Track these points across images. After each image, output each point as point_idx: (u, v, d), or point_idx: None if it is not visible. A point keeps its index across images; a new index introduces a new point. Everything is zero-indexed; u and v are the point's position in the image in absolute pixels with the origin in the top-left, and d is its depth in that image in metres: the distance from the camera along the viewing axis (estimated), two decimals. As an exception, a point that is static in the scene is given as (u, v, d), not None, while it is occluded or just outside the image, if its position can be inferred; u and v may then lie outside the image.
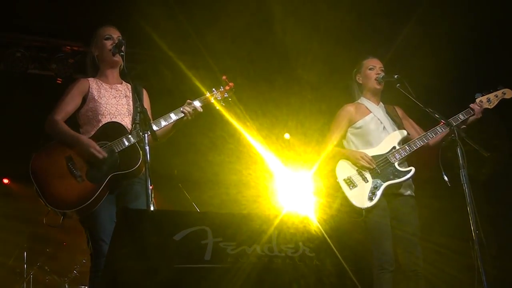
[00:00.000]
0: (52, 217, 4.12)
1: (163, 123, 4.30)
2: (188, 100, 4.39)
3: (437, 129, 4.78)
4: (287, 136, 8.67)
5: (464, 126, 4.75)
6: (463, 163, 4.28)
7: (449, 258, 6.49)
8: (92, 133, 4.23)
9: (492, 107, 4.91)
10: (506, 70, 6.19)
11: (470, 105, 4.86)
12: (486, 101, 4.89)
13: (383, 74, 5.01)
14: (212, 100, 4.48)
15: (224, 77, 4.55)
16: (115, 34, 4.43)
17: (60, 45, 7.25)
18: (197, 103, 4.40)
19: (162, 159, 4.73)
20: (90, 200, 4.00)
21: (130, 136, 4.17)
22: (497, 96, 4.93)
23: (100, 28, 4.50)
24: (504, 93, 4.94)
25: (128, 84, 4.51)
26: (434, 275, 5.07)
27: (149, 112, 4.51)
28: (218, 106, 4.52)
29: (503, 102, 4.96)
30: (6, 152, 8.13)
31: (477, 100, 4.89)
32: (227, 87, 4.53)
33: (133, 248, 2.38)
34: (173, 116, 4.32)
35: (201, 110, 4.41)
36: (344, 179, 4.79)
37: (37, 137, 4.50)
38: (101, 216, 4.06)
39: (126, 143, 4.16)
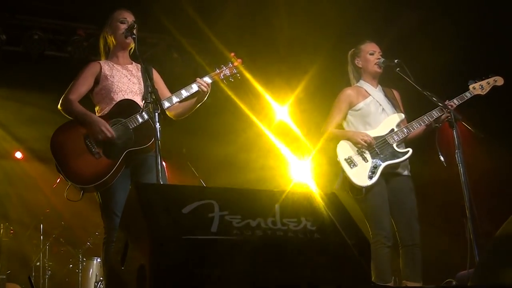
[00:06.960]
0: (72, 191, 4.07)
1: (175, 100, 4.26)
2: (197, 78, 4.34)
3: (433, 113, 4.69)
4: None
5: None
6: (458, 144, 4.23)
7: (443, 234, 6.44)
8: (107, 110, 4.17)
9: (484, 93, 4.81)
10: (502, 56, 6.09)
11: (465, 93, 4.77)
12: (479, 87, 4.81)
13: (383, 59, 4.91)
14: (221, 76, 4.42)
15: (232, 54, 4.50)
16: (130, 18, 4.34)
17: (76, 28, 7.19)
18: (207, 79, 4.34)
19: (172, 137, 4.69)
20: (108, 176, 3.96)
21: (143, 113, 4.11)
22: (489, 83, 4.82)
23: (116, 11, 4.42)
24: (496, 80, 4.84)
25: (138, 65, 4.43)
26: (428, 250, 5.02)
27: (164, 87, 4.48)
28: (227, 82, 4.46)
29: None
30: (22, 129, 8.14)
31: (470, 87, 4.79)
32: (236, 64, 4.47)
33: (143, 220, 2.33)
34: (184, 93, 4.29)
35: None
36: (345, 159, 4.71)
37: (53, 115, 4.46)
38: (117, 192, 4.00)
39: (140, 120, 4.09)
